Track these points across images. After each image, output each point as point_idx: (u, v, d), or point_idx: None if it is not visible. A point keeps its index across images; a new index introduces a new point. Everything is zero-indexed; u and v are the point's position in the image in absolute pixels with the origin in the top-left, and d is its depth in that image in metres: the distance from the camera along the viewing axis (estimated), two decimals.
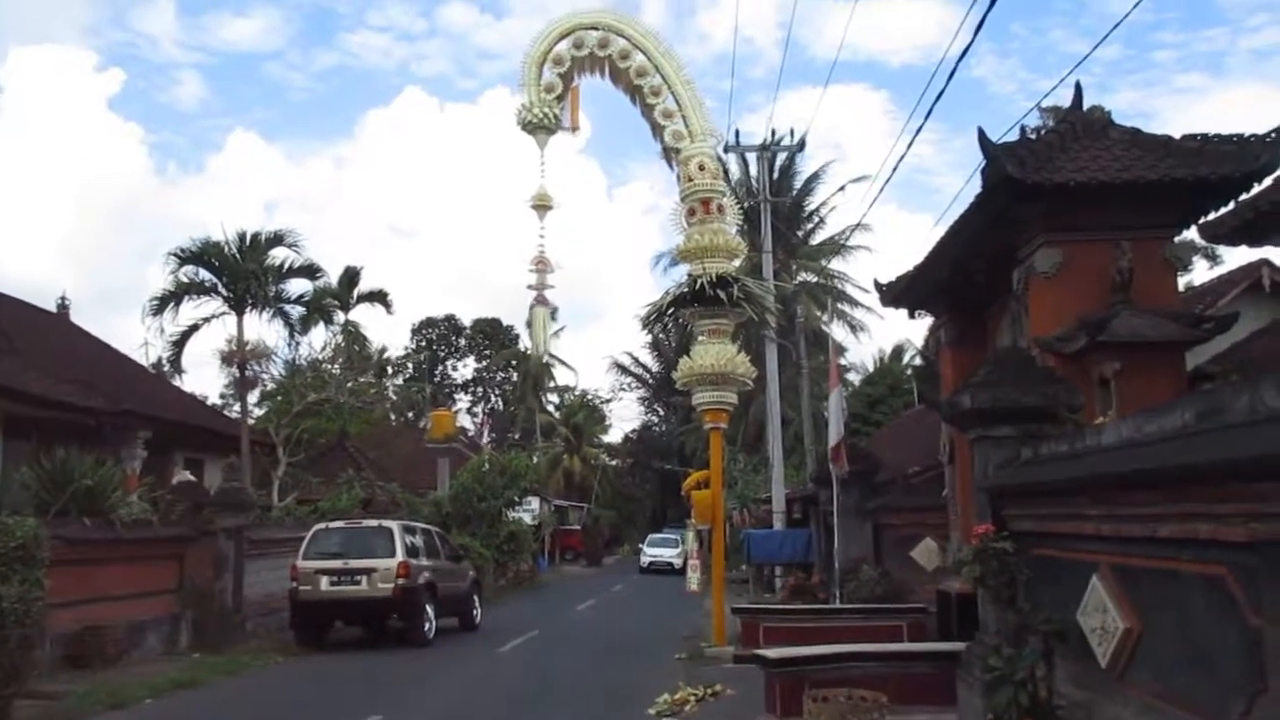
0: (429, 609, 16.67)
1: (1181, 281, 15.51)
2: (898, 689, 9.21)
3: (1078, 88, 10.64)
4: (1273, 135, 9.31)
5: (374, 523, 17.49)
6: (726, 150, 26.32)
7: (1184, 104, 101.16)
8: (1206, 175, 9.33)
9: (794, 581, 19.96)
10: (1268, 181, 8.72)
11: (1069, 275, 9.78)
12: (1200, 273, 26.17)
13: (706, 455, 17.76)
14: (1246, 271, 14.14)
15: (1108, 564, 5.69)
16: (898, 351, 50.66)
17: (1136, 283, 9.41)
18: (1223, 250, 25.00)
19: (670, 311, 16.21)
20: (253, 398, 28.13)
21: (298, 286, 24.05)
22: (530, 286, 16.24)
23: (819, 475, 19.61)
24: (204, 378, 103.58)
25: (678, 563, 38.23)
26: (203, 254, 21.79)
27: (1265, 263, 13.76)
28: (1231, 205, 9.04)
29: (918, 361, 43.08)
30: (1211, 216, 9.36)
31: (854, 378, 50.65)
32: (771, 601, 19.82)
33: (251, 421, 26.22)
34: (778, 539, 22.77)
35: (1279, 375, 4.04)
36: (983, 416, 7.24)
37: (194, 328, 23.05)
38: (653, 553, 42.71)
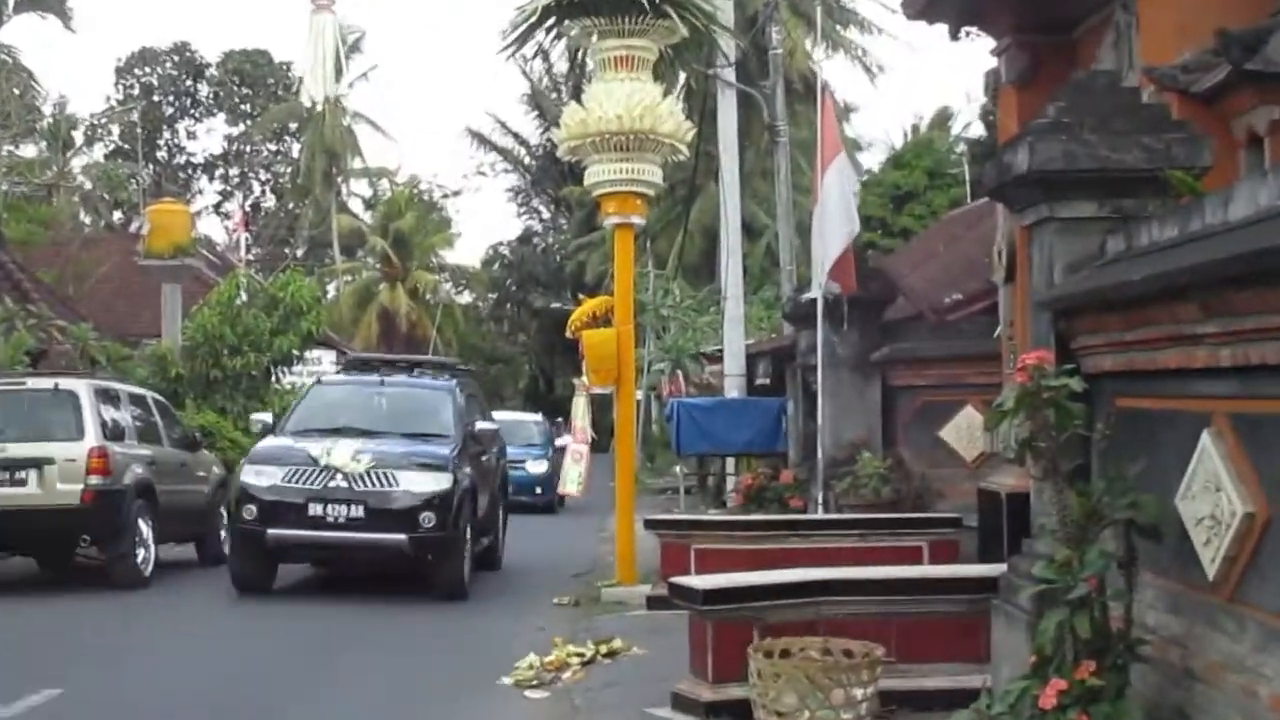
0: (143, 527, 16.81)
1: None
2: (906, 638, 9.60)
3: None
4: None
5: (47, 383, 17.44)
6: None
7: None
8: None
9: (751, 480, 20.10)
10: None
11: None
12: None
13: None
14: None
15: (1225, 414, 5.87)
16: (942, 119, 51.23)
17: None
18: None
19: (551, 25, 15.92)
20: None
21: None
22: None
23: (797, 311, 19.63)
24: None
25: None
26: None
27: None
28: None
29: (976, 131, 43.50)
30: None
31: (869, 159, 51.16)
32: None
33: None
34: (724, 413, 22.55)
35: None
36: (1047, 185, 7.27)
37: None
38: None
